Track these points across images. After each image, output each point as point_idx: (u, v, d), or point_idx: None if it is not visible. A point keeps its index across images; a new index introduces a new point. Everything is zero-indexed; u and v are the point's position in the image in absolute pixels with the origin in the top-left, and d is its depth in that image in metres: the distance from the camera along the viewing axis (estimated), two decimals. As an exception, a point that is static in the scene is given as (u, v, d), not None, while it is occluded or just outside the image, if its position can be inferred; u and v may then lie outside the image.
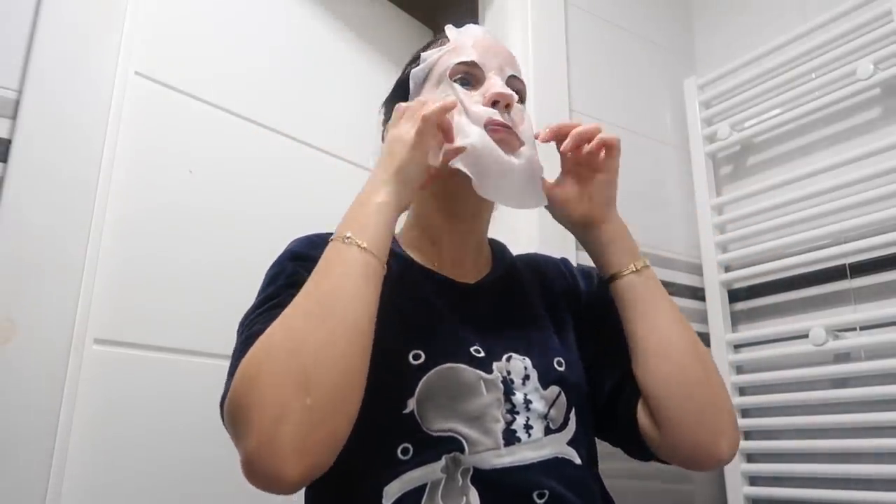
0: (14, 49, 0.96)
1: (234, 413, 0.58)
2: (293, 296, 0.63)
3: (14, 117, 0.93)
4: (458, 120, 0.75)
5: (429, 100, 0.74)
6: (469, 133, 0.74)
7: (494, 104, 0.76)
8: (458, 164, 0.74)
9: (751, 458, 1.45)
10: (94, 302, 0.98)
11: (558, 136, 0.78)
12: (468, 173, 0.73)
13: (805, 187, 1.43)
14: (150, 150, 1.10)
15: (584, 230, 0.80)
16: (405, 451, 0.66)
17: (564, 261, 0.93)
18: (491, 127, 0.75)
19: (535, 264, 0.91)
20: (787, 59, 1.50)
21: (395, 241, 0.83)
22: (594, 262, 0.81)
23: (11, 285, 0.90)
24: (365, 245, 0.64)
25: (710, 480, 1.48)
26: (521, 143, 0.77)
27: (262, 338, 0.60)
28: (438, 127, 0.72)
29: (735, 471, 1.42)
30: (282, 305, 0.63)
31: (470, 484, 0.65)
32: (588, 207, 0.78)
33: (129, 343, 1.03)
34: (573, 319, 0.84)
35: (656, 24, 1.79)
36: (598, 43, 1.65)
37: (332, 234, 0.84)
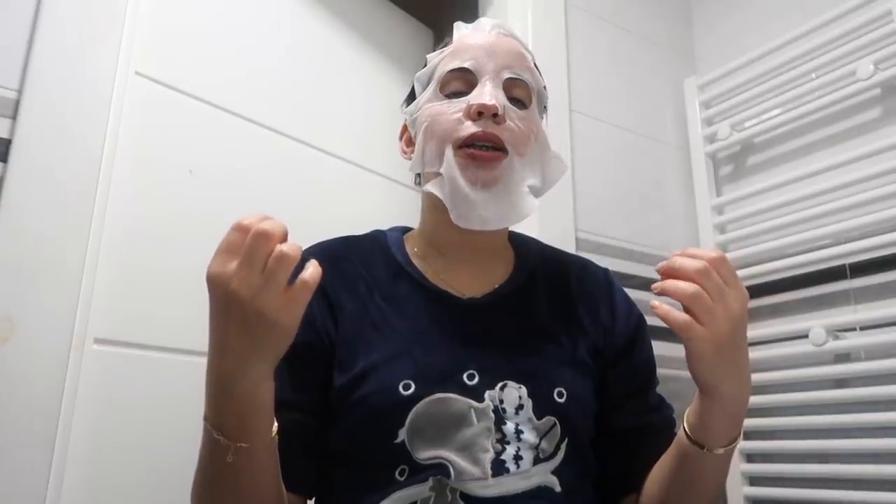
0: (14, 49, 0.95)
1: None
2: None
3: (14, 117, 0.93)
4: (431, 144, 0.75)
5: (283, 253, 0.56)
6: (443, 159, 0.74)
7: (480, 115, 0.73)
8: (431, 188, 0.75)
9: (751, 458, 1.45)
10: (94, 302, 0.98)
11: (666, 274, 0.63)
12: (442, 199, 0.74)
13: (805, 187, 1.43)
14: (150, 150, 1.10)
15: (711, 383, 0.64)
16: (402, 473, 0.68)
17: (608, 277, 0.88)
18: (465, 150, 0.73)
19: (566, 269, 0.86)
20: (787, 59, 1.50)
21: (401, 250, 0.83)
22: (696, 413, 0.67)
23: (11, 285, 0.90)
24: (227, 441, 0.64)
25: (710, 480, 1.47)
26: (505, 154, 0.74)
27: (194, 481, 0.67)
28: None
29: (735, 471, 1.42)
30: None
31: (460, 500, 0.66)
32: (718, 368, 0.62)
33: (129, 343, 1.03)
34: (594, 341, 0.80)
35: (656, 24, 1.79)
36: (598, 43, 1.65)
37: (327, 240, 0.84)
